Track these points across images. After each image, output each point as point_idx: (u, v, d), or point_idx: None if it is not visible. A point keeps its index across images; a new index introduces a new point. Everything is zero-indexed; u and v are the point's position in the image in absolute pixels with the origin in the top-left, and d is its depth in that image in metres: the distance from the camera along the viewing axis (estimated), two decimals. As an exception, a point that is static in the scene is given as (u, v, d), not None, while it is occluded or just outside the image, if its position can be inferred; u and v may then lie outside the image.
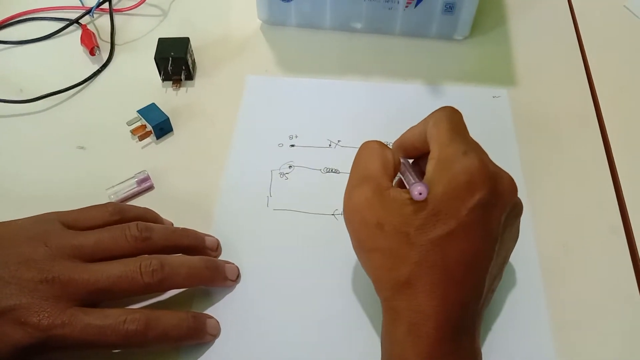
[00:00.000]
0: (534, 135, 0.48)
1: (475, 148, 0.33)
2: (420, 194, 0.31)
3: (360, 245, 0.34)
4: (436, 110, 0.36)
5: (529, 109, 0.50)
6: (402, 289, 0.31)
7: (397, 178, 0.36)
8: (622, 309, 0.39)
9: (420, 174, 0.35)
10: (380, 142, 0.36)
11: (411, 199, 0.32)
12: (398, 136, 0.48)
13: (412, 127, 0.37)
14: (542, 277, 0.40)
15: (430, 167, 0.33)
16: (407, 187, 0.33)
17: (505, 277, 0.40)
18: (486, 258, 0.32)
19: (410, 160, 0.39)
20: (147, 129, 0.47)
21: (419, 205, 0.31)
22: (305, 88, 0.52)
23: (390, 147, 0.37)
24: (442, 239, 0.31)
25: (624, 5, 0.58)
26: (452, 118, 0.35)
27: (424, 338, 0.30)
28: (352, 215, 0.34)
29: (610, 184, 0.45)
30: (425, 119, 0.36)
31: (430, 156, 0.34)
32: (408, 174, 0.35)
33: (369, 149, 0.36)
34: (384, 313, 0.33)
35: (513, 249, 0.36)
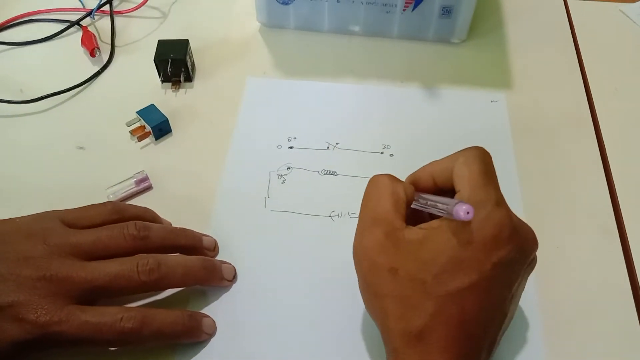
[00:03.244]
0: (529, 138, 0.49)
1: (504, 200, 0.31)
2: (469, 212, 0.28)
3: (369, 289, 0.32)
4: (467, 149, 0.33)
5: (525, 112, 0.50)
6: (414, 342, 0.30)
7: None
8: (614, 311, 0.39)
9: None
10: (390, 177, 0.34)
11: (421, 231, 0.30)
12: (394, 139, 0.48)
13: (435, 161, 0.34)
14: (535, 278, 0.40)
15: None
16: (441, 214, 0.31)
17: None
18: (503, 314, 0.31)
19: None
20: (146, 130, 0.48)
21: (438, 251, 0.29)
22: (304, 90, 0.52)
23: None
24: (461, 292, 0.29)
25: (620, 10, 0.59)
26: (484, 160, 0.32)
27: None
28: (363, 258, 0.32)
29: (605, 187, 0.46)
30: (453, 155, 0.33)
31: (457, 196, 0.31)
32: (436, 201, 0.32)
33: (378, 185, 0.33)
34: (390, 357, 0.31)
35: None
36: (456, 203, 0.29)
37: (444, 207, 0.30)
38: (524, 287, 0.35)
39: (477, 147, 0.33)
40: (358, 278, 0.33)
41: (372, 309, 0.33)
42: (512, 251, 0.30)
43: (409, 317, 0.30)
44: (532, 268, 0.34)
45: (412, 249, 0.30)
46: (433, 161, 0.35)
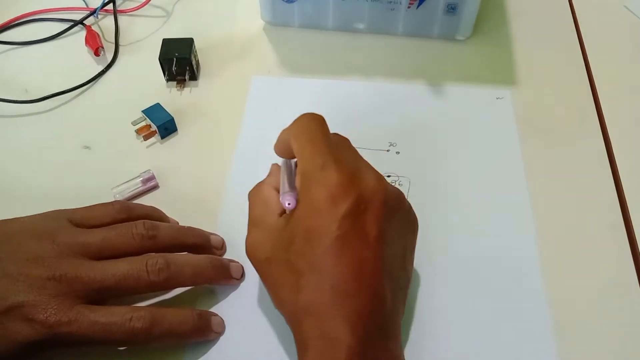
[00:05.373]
0: (535, 134, 0.49)
1: (333, 154, 0.32)
2: (289, 204, 0.31)
3: (263, 283, 0.35)
4: (296, 120, 0.35)
5: (530, 109, 0.50)
6: (302, 318, 0.31)
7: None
8: (623, 307, 0.39)
9: None
10: (263, 184, 0.38)
11: (282, 219, 0.33)
12: (401, 136, 0.48)
13: (282, 130, 0.36)
14: (542, 276, 0.40)
15: (298, 185, 0.34)
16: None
17: (505, 275, 0.40)
18: (373, 262, 0.31)
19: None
20: (151, 129, 0.48)
21: (292, 231, 0.32)
22: (309, 88, 0.52)
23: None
24: (321, 259, 0.30)
25: (625, 6, 0.59)
26: (309, 127, 0.34)
27: None
28: (250, 257, 0.35)
29: (611, 183, 0.46)
30: (288, 127, 0.35)
31: (296, 171, 0.34)
32: (284, 181, 0.35)
33: (252, 195, 0.38)
34: (296, 345, 0.32)
35: (413, 240, 0.36)
36: (281, 194, 0.32)
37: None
38: (410, 226, 0.35)
39: (304, 115, 0.35)
40: None
41: (272, 300, 0.34)
42: (353, 203, 0.31)
43: (291, 298, 0.32)
44: (398, 206, 0.34)
45: (277, 235, 0.33)
46: (283, 129, 0.36)
